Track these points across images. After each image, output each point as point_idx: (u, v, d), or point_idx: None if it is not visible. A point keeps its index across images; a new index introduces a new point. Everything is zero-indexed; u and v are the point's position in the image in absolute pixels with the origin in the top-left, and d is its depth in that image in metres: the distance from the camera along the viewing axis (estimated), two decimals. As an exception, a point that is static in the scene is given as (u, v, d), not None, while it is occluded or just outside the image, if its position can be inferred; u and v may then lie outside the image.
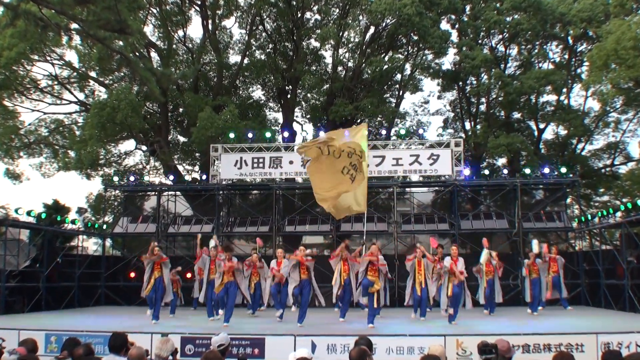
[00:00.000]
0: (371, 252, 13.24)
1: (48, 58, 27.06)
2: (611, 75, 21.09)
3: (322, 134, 17.45)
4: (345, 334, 11.61)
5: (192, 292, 18.53)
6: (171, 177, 24.42)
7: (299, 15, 29.34)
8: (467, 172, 21.94)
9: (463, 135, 29.77)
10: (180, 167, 30.08)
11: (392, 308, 17.32)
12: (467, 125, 30.79)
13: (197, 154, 29.61)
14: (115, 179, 24.16)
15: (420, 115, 32.42)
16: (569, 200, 24.90)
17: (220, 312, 14.71)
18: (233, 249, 14.85)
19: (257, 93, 32.13)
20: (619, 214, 18.54)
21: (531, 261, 16.82)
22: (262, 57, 30.49)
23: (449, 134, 30.59)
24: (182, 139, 30.65)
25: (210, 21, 28.84)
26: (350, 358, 5.17)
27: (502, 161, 29.74)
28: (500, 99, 27.73)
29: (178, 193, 24.95)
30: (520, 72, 28.47)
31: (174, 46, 29.17)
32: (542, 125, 29.36)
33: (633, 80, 21.45)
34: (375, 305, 13.23)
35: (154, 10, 28.51)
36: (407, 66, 29.25)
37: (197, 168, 30.72)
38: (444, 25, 28.85)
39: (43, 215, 20.13)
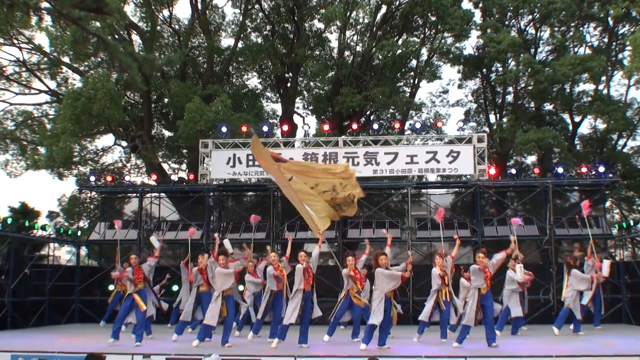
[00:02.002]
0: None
1: (15, 41, 27.10)
2: (657, 61, 21.03)
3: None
4: (352, 355, 11.57)
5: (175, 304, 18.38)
6: (155, 177, 24.41)
7: (301, -8, 29.37)
8: (491, 171, 21.90)
9: (487, 129, 29.76)
10: (165, 166, 30.15)
11: (406, 326, 17.27)
12: (492, 118, 30.79)
13: (184, 151, 29.65)
14: (92, 178, 24.14)
15: (439, 106, 32.51)
16: (608, 204, 24.80)
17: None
18: (228, 253, 14.68)
19: (253, 81, 32.21)
20: (665, 219, 18.51)
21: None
22: (259, 40, 30.53)
23: (471, 128, 30.63)
24: (167, 133, 30.71)
25: (199, -1, 28.91)
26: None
27: (531, 159, 29.75)
28: (529, 88, 27.66)
29: (163, 195, 24.93)
30: (552, 58, 28.43)
31: (159, 28, 29.20)
32: (577, 119, 29.32)
33: (682, 67, 21.39)
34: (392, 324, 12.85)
35: (136, -13, 28.62)
36: (424, 51, 29.25)
37: (184, 166, 30.79)
38: (466, 4, 28.91)
39: (9, 220, 20.12)
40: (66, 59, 28.10)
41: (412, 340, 14.20)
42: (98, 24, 24.10)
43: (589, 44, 29.26)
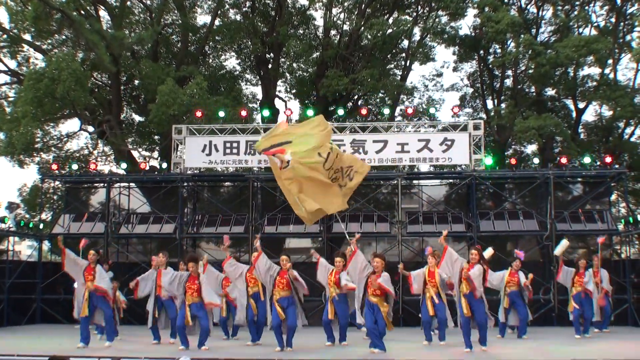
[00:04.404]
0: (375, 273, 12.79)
1: (-29, 16, 26.88)
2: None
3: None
4: None
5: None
6: (124, 165, 24.33)
7: (283, -34, 29.29)
8: (488, 161, 21.99)
9: (484, 115, 29.81)
10: (135, 153, 30.02)
11: (398, 328, 17.35)
12: (489, 104, 30.85)
13: (156, 137, 29.52)
14: (55, 167, 24.04)
15: (432, 91, 32.44)
16: (613, 197, 24.99)
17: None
18: (198, 258, 14.54)
19: (231, 62, 32.19)
20: (675, 213, 18.65)
21: (581, 271, 16.69)
22: (237, 17, 30.42)
23: (466, 115, 30.67)
24: (137, 118, 30.60)
25: (173, -28, 28.75)
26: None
27: (531, 148, 29.85)
28: (530, 71, 27.75)
29: (132, 185, 24.86)
30: (555, 39, 28.50)
31: (129, 3, 29.01)
32: (581, 105, 29.40)
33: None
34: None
35: (104, -42, 28.39)
36: (416, 30, 29.29)
37: (156, 154, 30.65)
38: (462, -20, 28.86)
39: (-36, 212, 20.07)
40: (27, 37, 27.86)
41: (406, 343, 14.25)
42: (62, -2, 23.92)
43: (595, 24, 29.33)
